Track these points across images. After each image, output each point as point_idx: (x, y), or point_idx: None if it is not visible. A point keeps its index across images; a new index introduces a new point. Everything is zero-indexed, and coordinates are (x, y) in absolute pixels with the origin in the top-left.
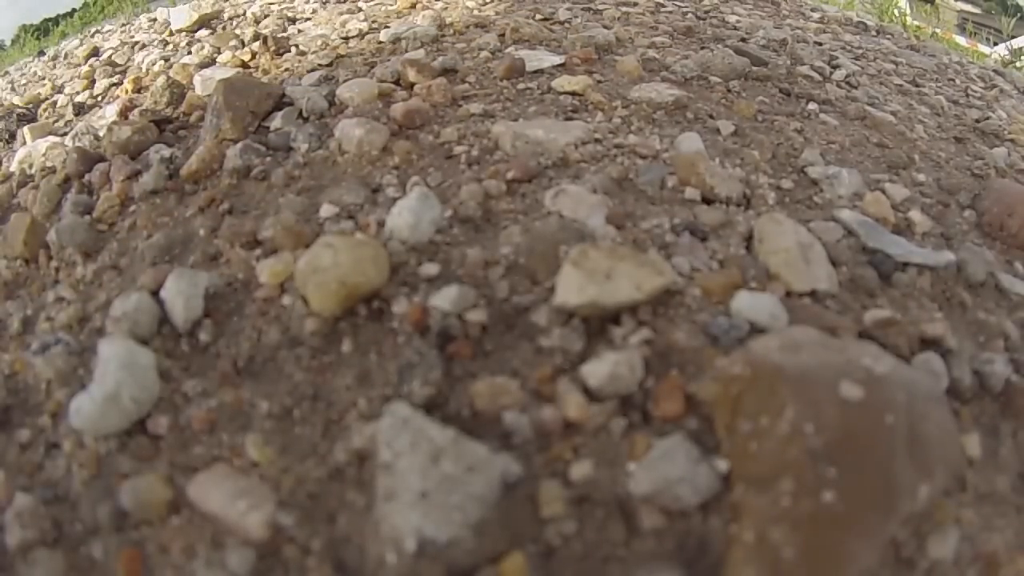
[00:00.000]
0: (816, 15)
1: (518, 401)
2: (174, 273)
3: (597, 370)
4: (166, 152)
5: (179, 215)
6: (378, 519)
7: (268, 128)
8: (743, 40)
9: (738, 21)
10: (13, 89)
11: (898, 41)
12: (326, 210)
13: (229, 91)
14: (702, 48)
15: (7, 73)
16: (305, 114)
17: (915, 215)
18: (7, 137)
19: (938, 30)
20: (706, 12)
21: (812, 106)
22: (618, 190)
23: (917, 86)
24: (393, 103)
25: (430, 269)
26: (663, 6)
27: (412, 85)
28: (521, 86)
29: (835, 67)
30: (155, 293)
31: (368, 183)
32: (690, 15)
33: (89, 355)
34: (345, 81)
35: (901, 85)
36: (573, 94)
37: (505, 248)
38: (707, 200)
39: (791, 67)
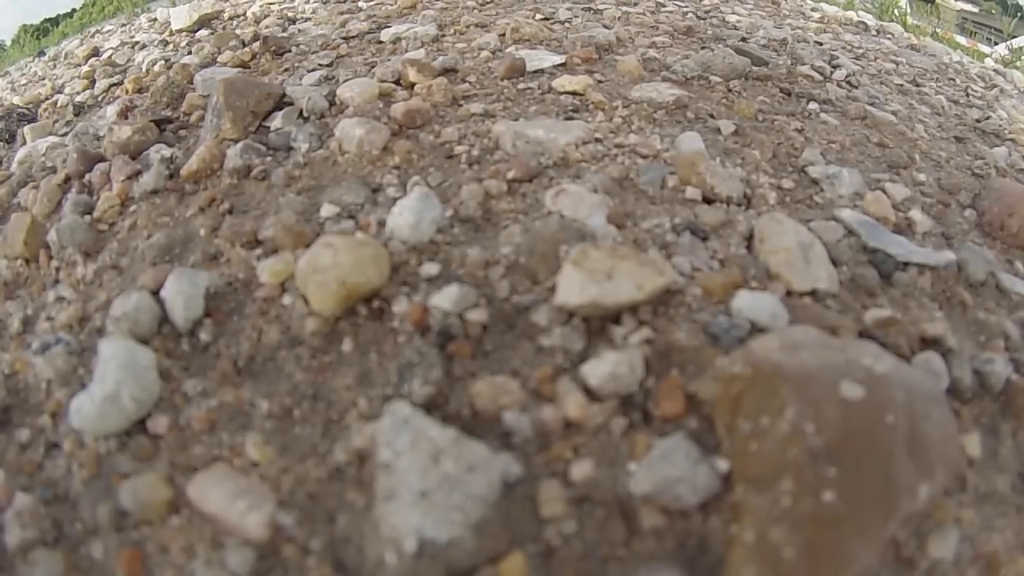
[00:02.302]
0: (816, 15)
1: (518, 401)
2: (174, 273)
3: (597, 369)
4: (166, 152)
5: (179, 215)
6: (378, 519)
7: (268, 128)
8: (743, 40)
9: (738, 21)
10: (13, 89)
11: (898, 41)
12: (327, 210)
13: (229, 91)
14: (702, 48)
15: (7, 73)
16: (305, 114)
17: (916, 215)
18: (7, 137)
19: (938, 30)
20: (706, 12)
21: (813, 106)
22: (619, 190)
23: (917, 86)
24: (394, 103)
25: (430, 269)
26: (663, 6)
27: (413, 85)
28: (522, 86)
29: (835, 67)
30: (155, 293)
31: (368, 183)
32: (690, 15)
33: (89, 355)
34: (346, 81)
35: (901, 85)
36: (574, 94)
37: (505, 248)
38: (708, 200)
39: (791, 67)
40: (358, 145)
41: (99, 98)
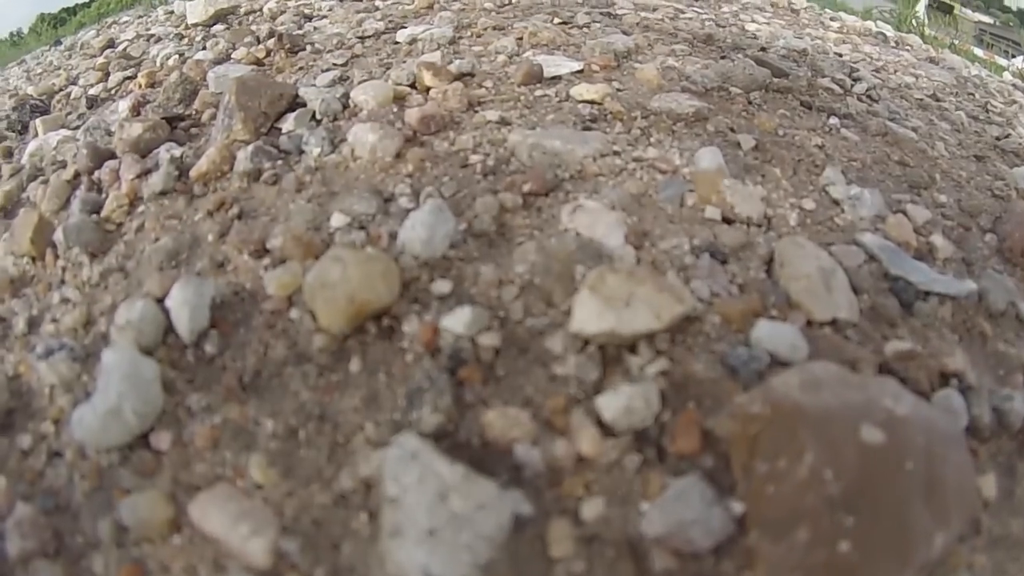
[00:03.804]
0: (835, 24)
1: (530, 434)
2: (180, 282)
3: (612, 403)
4: (176, 151)
5: (187, 218)
6: (383, 553)
7: (280, 130)
8: (763, 49)
9: (758, 30)
10: (29, 78)
11: (917, 53)
12: (337, 219)
13: (241, 91)
14: (722, 57)
15: (23, 62)
16: (318, 116)
17: (937, 239)
18: (20, 128)
19: (956, 41)
20: (725, 19)
21: (833, 121)
22: (637, 206)
23: (937, 100)
24: (408, 107)
25: (442, 287)
26: (683, 12)
27: (428, 89)
28: (539, 92)
29: (856, 79)
30: (161, 300)
31: (380, 191)
32: (709, 22)
33: (93, 361)
34: (360, 83)
35: (921, 99)
36: (592, 103)
37: (520, 267)
38: (727, 220)
39: (812, 79)
40: (371, 151)
41: (112, 91)
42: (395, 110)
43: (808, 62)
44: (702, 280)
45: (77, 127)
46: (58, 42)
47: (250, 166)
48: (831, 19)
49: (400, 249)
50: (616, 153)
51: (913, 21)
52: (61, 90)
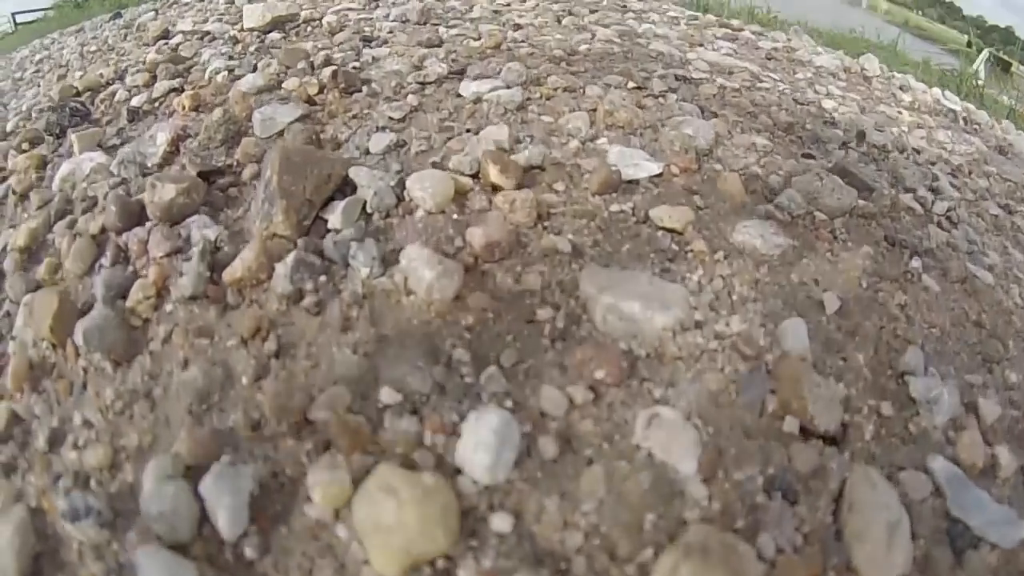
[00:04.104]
0: (907, 98)
1: None
2: (213, 472)
3: None
4: (210, 233)
5: (219, 339)
6: None
7: (326, 222)
8: (845, 145)
9: (835, 109)
10: (81, 55)
11: (986, 138)
12: (387, 395)
13: (285, 169)
14: (803, 155)
15: (83, 30)
16: (370, 210)
17: (1001, 452)
18: (57, 132)
19: (1016, 105)
20: (802, 91)
21: (915, 263)
22: (714, 411)
23: (1010, 214)
24: (469, 209)
25: (503, 524)
26: (758, 79)
27: (494, 188)
28: (615, 208)
29: (936, 192)
30: (191, 468)
31: (436, 352)
32: (787, 98)
33: (123, 524)
34: (417, 155)
35: (996, 216)
36: (672, 232)
37: (586, 504)
38: (804, 432)
39: (895, 196)
40: (427, 291)
41: (156, 103)
42: (455, 217)
43: (889, 167)
44: (769, 532)
45: (113, 146)
46: (118, 15)
47: (290, 288)
48: (901, 87)
49: (459, 464)
50: (698, 325)
51: (974, 81)
52: (106, 85)
